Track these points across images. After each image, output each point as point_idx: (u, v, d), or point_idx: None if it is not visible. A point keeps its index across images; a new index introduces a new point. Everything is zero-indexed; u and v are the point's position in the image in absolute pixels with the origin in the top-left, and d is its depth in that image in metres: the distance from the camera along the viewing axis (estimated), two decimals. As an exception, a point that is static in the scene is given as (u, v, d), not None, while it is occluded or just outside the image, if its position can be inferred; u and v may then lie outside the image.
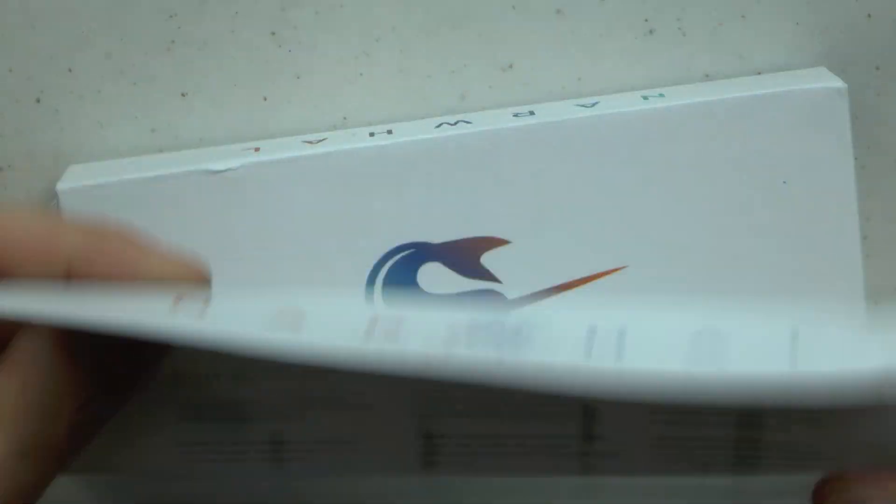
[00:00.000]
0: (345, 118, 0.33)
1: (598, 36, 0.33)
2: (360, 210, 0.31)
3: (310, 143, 0.31)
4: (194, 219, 0.30)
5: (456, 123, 0.31)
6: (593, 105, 0.31)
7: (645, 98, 0.32)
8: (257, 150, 0.31)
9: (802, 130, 0.31)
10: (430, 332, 0.20)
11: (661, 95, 0.32)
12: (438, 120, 0.32)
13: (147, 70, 0.33)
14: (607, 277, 0.31)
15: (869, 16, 0.33)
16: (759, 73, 0.33)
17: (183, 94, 0.33)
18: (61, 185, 0.31)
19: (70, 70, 0.33)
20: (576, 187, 0.31)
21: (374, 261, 0.31)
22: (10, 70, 0.33)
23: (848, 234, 0.31)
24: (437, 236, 0.31)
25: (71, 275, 0.23)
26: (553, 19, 0.33)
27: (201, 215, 0.30)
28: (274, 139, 0.33)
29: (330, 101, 0.33)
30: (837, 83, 0.31)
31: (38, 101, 0.33)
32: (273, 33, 0.33)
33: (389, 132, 0.31)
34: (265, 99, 0.33)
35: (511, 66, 0.33)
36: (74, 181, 0.31)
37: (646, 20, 0.33)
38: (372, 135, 0.31)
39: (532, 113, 0.31)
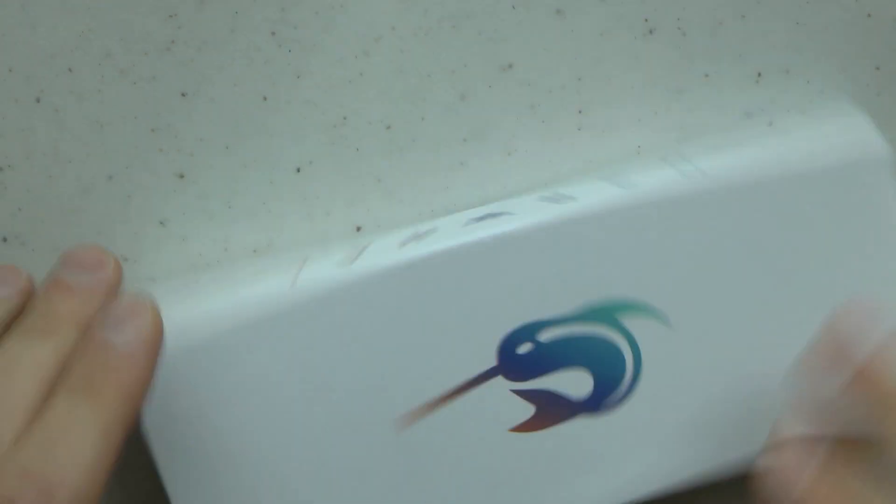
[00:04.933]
0: (345, 118, 0.33)
1: (598, 36, 0.33)
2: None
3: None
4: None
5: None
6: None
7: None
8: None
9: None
10: None
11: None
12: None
13: (147, 70, 0.33)
14: None
15: (869, 15, 0.33)
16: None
17: (183, 94, 0.33)
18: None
19: (70, 70, 0.33)
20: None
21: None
22: (10, 70, 0.33)
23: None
24: None
25: None
26: (553, 19, 0.33)
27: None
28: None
29: (330, 101, 0.33)
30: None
31: (38, 101, 0.33)
32: (273, 33, 0.33)
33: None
34: (265, 99, 0.33)
35: (511, 66, 0.33)
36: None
37: (646, 20, 0.33)
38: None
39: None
